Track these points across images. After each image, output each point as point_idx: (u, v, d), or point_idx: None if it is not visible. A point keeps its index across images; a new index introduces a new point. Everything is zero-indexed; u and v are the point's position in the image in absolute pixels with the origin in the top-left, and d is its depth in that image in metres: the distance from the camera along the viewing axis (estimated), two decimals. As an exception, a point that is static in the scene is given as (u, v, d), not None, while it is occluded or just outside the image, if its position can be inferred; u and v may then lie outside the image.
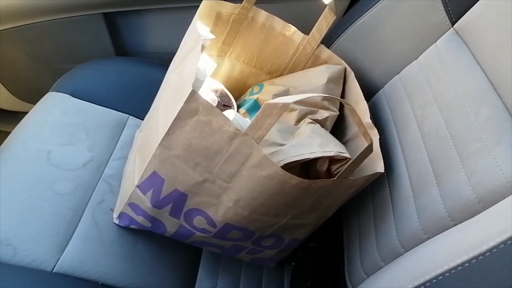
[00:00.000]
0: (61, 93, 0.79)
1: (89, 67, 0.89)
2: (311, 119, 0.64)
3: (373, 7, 0.72)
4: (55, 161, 0.68)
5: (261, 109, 0.44)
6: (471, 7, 0.62)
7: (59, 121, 0.74)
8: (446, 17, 0.65)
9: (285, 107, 0.43)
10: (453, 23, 0.64)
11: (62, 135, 0.72)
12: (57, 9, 0.90)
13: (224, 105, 0.72)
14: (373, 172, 0.54)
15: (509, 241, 0.35)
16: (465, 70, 0.57)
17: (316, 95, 0.47)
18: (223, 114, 0.47)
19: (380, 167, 0.56)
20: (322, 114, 0.65)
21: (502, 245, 0.35)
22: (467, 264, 0.37)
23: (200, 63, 0.62)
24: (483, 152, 0.48)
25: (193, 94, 0.47)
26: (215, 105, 0.70)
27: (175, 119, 0.49)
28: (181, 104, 0.47)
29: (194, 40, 0.55)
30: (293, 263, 0.70)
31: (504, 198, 0.43)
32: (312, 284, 0.64)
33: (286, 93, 0.70)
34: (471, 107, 0.53)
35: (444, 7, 0.65)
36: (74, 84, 0.83)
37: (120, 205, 0.63)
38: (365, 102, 0.64)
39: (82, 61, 0.90)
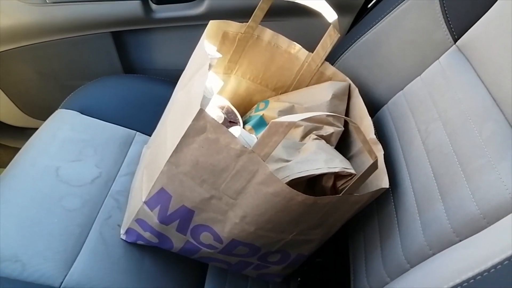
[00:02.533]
0: (70, 110, 0.81)
1: (98, 85, 0.90)
2: (316, 135, 0.64)
3: (377, 24, 0.73)
4: (63, 177, 0.69)
5: (267, 127, 0.45)
6: (473, 24, 0.63)
7: (67, 137, 0.75)
8: (449, 34, 0.66)
9: (291, 126, 0.44)
10: (455, 40, 0.65)
11: (71, 152, 0.73)
12: (67, 29, 0.93)
13: (230, 121, 0.73)
14: (378, 188, 0.55)
15: (515, 258, 0.35)
16: (468, 87, 0.58)
17: (321, 114, 0.48)
18: (230, 132, 0.48)
19: (385, 183, 0.56)
20: (327, 130, 0.66)
21: (507, 261, 0.35)
22: (472, 281, 0.37)
23: (207, 81, 0.64)
24: (487, 168, 0.48)
25: (201, 113, 0.48)
26: (221, 121, 0.71)
27: (183, 137, 0.50)
28: (189, 122, 0.48)
29: (202, 59, 0.56)
30: (299, 278, 0.70)
31: (509, 213, 0.44)
32: (319, 300, 0.64)
33: (291, 109, 0.71)
34: (474, 123, 0.53)
35: (446, 24, 0.66)
36: (82, 101, 0.84)
37: (127, 221, 0.64)
38: (369, 118, 0.65)
39: (90, 79, 0.91)
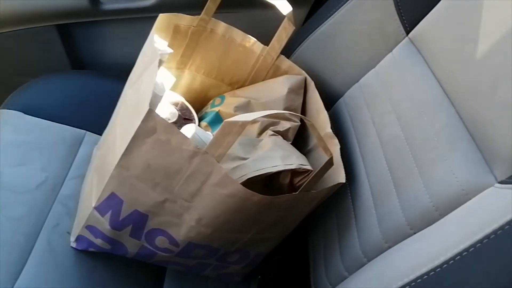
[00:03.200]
0: (12, 110, 0.75)
1: (43, 82, 0.85)
2: (273, 131, 0.63)
3: (331, 17, 0.72)
4: (5, 183, 0.64)
5: (220, 127, 0.44)
6: (425, 16, 0.63)
7: (9, 140, 0.70)
8: (401, 26, 0.66)
9: (245, 125, 0.43)
10: (407, 32, 0.66)
11: (13, 156, 0.68)
12: (7, 21, 0.86)
13: (185, 118, 0.70)
14: (334, 183, 0.55)
15: (465, 252, 0.35)
16: (420, 79, 0.59)
17: (275, 112, 0.46)
18: (182, 133, 0.46)
19: (342, 177, 0.56)
20: (284, 125, 0.65)
21: (458, 257, 0.36)
22: (425, 277, 0.38)
23: (158, 77, 0.61)
24: (438, 161, 0.49)
25: (150, 113, 0.45)
26: (175, 119, 0.69)
27: (133, 139, 0.47)
28: (138, 123, 0.46)
29: (151, 55, 0.53)
30: (259, 277, 0.69)
31: (460, 205, 0.44)
32: (279, 297, 0.63)
33: (247, 105, 0.69)
34: (426, 116, 0.54)
35: (399, 16, 0.67)
36: (26, 100, 0.79)
37: (77, 228, 0.60)
38: (326, 112, 0.65)
39: (35, 76, 0.86)
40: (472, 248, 0.35)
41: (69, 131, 0.75)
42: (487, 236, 0.35)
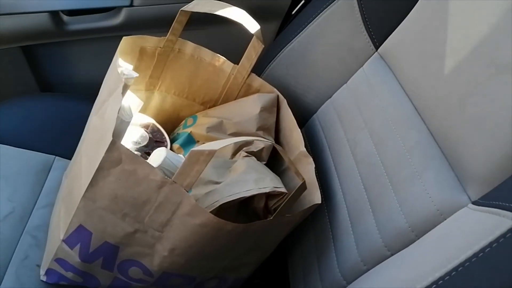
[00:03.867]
0: (-25, 137, 0.73)
1: (8, 106, 0.82)
2: (246, 152, 0.62)
3: (301, 33, 0.72)
4: (-31, 217, 0.61)
5: (187, 156, 0.42)
6: (393, 31, 0.63)
7: (-27, 170, 0.67)
8: (370, 41, 0.66)
9: (212, 154, 0.42)
10: (377, 47, 0.66)
11: (-23, 186, 0.65)
12: (-32, 44, 0.83)
13: (156, 141, 0.69)
14: (310, 204, 0.54)
15: (440, 281, 0.35)
16: (391, 95, 0.59)
17: (243, 139, 0.46)
18: (148, 163, 0.44)
19: (317, 198, 0.55)
20: (258, 145, 0.64)
21: (434, 286, 0.35)
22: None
23: (125, 101, 0.59)
24: (412, 179, 0.48)
25: (114, 144, 0.44)
26: (146, 142, 0.67)
27: (97, 170, 0.46)
28: (102, 154, 0.45)
29: (115, 80, 0.52)
30: (239, 300, 0.68)
31: (435, 225, 0.44)
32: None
33: (220, 125, 0.68)
34: (398, 133, 0.54)
35: (367, 31, 0.67)
36: (-9, 127, 0.76)
37: (46, 261, 0.58)
38: (299, 130, 0.64)
39: (0, 100, 0.83)
40: (448, 276, 0.34)
41: (37, 157, 0.72)
42: (462, 264, 0.34)
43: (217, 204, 0.51)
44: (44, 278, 0.58)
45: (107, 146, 0.44)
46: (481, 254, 0.33)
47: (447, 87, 0.49)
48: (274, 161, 0.67)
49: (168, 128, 0.72)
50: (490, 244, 0.33)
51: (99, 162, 0.45)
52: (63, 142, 0.75)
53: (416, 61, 0.55)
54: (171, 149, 0.69)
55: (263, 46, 0.66)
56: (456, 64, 0.49)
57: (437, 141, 0.49)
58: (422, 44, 0.56)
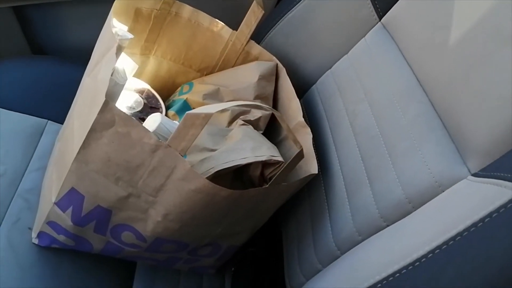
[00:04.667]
0: (-35, 99, 0.71)
1: (0, 68, 0.80)
2: (243, 120, 0.61)
3: (303, 0, 0.70)
4: (-41, 179, 0.60)
5: (182, 119, 0.41)
6: (397, 1, 0.61)
7: (-38, 132, 0.66)
8: (374, 11, 0.64)
9: (208, 118, 0.40)
10: (380, 17, 0.64)
11: (-33, 148, 0.64)
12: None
13: (151, 107, 0.67)
14: (306, 174, 0.53)
15: (437, 250, 0.34)
16: (393, 66, 0.57)
17: (241, 103, 0.44)
18: (142, 125, 0.43)
19: (314, 168, 0.54)
20: (255, 114, 0.63)
21: (431, 254, 0.35)
22: (397, 275, 0.37)
23: (119, 64, 0.57)
24: (411, 151, 0.48)
25: (107, 104, 0.42)
26: (141, 107, 0.66)
27: (90, 131, 0.44)
28: (95, 115, 0.43)
29: (109, 41, 0.50)
30: (233, 269, 0.68)
31: (433, 197, 0.43)
32: (252, 290, 0.62)
33: (216, 92, 0.66)
34: (399, 104, 0.53)
35: (371, 0, 0.64)
36: (-19, 88, 0.74)
37: (38, 224, 0.57)
38: (298, 100, 0.63)
39: (-9, 61, 0.80)
40: (445, 246, 0.34)
41: (29, 120, 0.71)
42: (460, 233, 0.34)
43: (213, 171, 0.51)
44: (36, 241, 0.58)
45: (99, 107, 0.42)
46: (480, 224, 0.33)
47: (451, 58, 0.47)
48: (271, 131, 0.66)
49: (164, 94, 0.71)
50: (490, 214, 0.33)
51: (91, 123, 0.44)
52: (56, 106, 0.73)
53: (420, 31, 0.54)
54: (166, 115, 0.67)
55: (263, 12, 0.64)
56: (461, 35, 0.48)
57: (438, 113, 0.48)
58: (427, 14, 0.54)
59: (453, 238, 0.34)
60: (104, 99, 0.42)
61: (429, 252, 0.35)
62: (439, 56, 0.49)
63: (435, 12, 0.53)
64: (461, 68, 0.46)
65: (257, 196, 0.49)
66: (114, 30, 0.51)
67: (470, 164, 0.42)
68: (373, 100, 0.56)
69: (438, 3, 0.52)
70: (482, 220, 0.33)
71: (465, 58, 0.46)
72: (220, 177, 0.52)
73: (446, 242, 0.34)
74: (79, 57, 0.83)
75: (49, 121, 0.72)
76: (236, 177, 0.57)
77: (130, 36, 0.52)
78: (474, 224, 0.33)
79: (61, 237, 0.56)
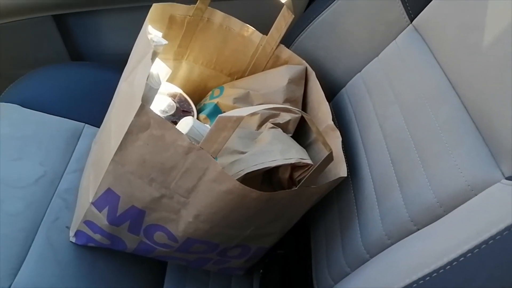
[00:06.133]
0: (9, 103, 0.74)
1: (40, 74, 0.84)
2: (273, 124, 0.62)
3: (332, 4, 0.70)
4: (3, 178, 0.63)
5: (214, 122, 0.42)
6: (429, 2, 0.61)
7: (7, 134, 0.69)
8: (405, 13, 0.64)
9: (240, 120, 0.41)
10: (411, 19, 0.63)
11: (11, 150, 0.67)
12: (2, 13, 0.85)
13: (183, 110, 0.69)
14: (336, 177, 0.53)
15: (469, 254, 0.34)
16: (424, 68, 0.57)
17: (272, 106, 0.45)
18: (176, 128, 0.45)
19: (343, 171, 0.54)
20: (284, 117, 0.63)
21: (462, 258, 0.34)
22: (428, 278, 0.37)
23: (154, 69, 0.59)
24: (443, 155, 0.47)
25: (143, 108, 0.44)
26: (173, 111, 0.68)
27: (126, 134, 0.46)
28: (131, 118, 0.45)
29: (144, 47, 0.52)
30: (261, 271, 0.68)
31: (465, 201, 0.43)
32: (280, 292, 0.62)
33: (246, 96, 0.67)
34: (430, 107, 0.52)
35: (402, 2, 0.64)
36: (23, 93, 0.78)
37: (76, 223, 0.60)
38: (327, 103, 0.63)
39: (33, 68, 0.84)
40: (477, 249, 0.34)
41: (67, 124, 0.74)
42: (493, 237, 0.33)
43: (242, 173, 0.51)
44: (73, 240, 0.60)
45: (136, 110, 0.44)
46: (515, 228, 0.32)
47: (484, 59, 0.47)
48: (300, 134, 0.67)
49: (195, 98, 0.72)
50: (524, 218, 0.32)
51: (128, 126, 0.45)
52: (93, 110, 0.76)
53: (453, 32, 0.53)
54: (197, 119, 0.69)
55: (293, 16, 0.65)
56: (495, 35, 0.47)
57: (471, 116, 0.47)
58: (460, 15, 0.53)
59: (485, 242, 0.33)
60: (140, 103, 0.43)
61: (460, 256, 0.34)
62: (472, 58, 0.48)
63: (468, 13, 0.52)
64: (494, 69, 0.45)
65: (286, 198, 0.49)
66: (149, 37, 0.53)
67: (504, 168, 0.41)
68: (404, 102, 0.56)
69: (472, 3, 0.51)
70: (516, 224, 0.32)
71: (499, 59, 0.45)
72: (250, 179, 0.53)
73: (478, 246, 0.34)
74: (116, 63, 0.87)
75: (86, 125, 0.75)
76: (266, 180, 0.58)
77: (165, 42, 0.54)
78: (508, 228, 0.32)
79: (97, 236, 0.58)
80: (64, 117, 0.74)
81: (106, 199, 0.52)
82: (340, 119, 0.68)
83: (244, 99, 0.67)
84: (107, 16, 0.93)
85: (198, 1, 0.64)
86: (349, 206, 0.57)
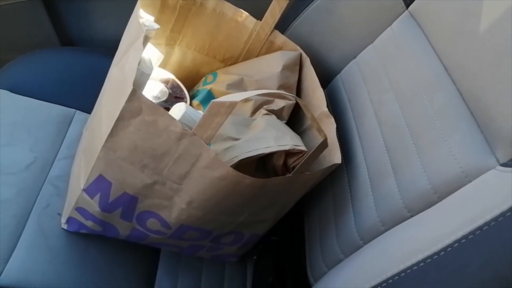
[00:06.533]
0: (-1, 89, 0.73)
1: (30, 59, 0.82)
2: (267, 110, 0.61)
3: (328, -11, 0.69)
4: (-7, 164, 0.62)
5: (207, 108, 0.42)
6: (425, -12, 0.60)
7: (-4, 120, 0.68)
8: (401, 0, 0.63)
9: (233, 106, 0.41)
10: (407, 5, 0.63)
11: (0, 136, 0.66)
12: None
13: (176, 97, 0.68)
14: (330, 164, 0.53)
15: (463, 240, 0.34)
16: (420, 55, 0.56)
17: (265, 92, 0.44)
18: (169, 114, 0.44)
19: (338, 158, 0.54)
20: (278, 104, 0.63)
21: (457, 244, 0.34)
22: (422, 264, 0.37)
23: (145, 54, 0.58)
24: (438, 142, 0.47)
25: (134, 93, 0.43)
26: (166, 97, 0.67)
27: (117, 120, 0.45)
28: (123, 103, 0.44)
29: (136, 31, 0.51)
30: (255, 257, 0.68)
31: (459, 188, 0.43)
32: (274, 279, 0.62)
33: (240, 82, 0.67)
34: (426, 94, 0.52)
35: (398, -12, 0.63)
36: (12, 78, 0.76)
37: (67, 210, 0.59)
38: (322, 89, 0.62)
39: (22, 52, 0.83)
40: (472, 235, 0.33)
41: (58, 110, 0.73)
42: (488, 223, 0.33)
43: (236, 160, 0.51)
44: (65, 226, 0.60)
45: (127, 96, 0.43)
46: (509, 213, 0.32)
47: (481, 45, 0.46)
48: (294, 121, 0.66)
49: (188, 84, 0.71)
50: (518, 204, 0.32)
51: (119, 112, 0.45)
52: (84, 96, 0.75)
53: (450, 19, 0.52)
54: (190, 105, 0.68)
55: (287, 1, 0.64)
56: (492, 21, 0.46)
57: (466, 102, 0.47)
58: (457, 1, 0.53)
59: (480, 228, 0.33)
60: (131, 88, 0.42)
61: (455, 242, 0.34)
62: (468, 44, 0.48)
63: (464, -1, 0.51)
64: (490, 55, 0.44)
65: (280, 185, 0.49)
66: (141, 21, 0.52)
67: (499, 154, 0.41)
68: (399, 89, 0.56)
69: (470, -11, 0.51)
70: (510, 209, 0.32)
71: (495, 45, 0.44)
72: (244, 166, 0.52)
73: (472, 232, 0.34)
74: (107, 48, 0.85)
75: (77, 111, 0.74)
76: (259, 166, 0.57)
77: (157, 26, 0.53)
78: (502, 214, 0.32)
79: (89, 223, 0.57)
80: (55, 103, 0.73)
81: (98, 185, 0.52)
82: (335, 106, 0.67)
83: (238, 85, 0.66)
84: (97, 0, 0.91)
85: (191, -15, 0.62)
86: (343, 193, 0.57)
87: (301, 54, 0.68)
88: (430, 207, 0.44)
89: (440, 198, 0.44)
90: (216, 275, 0.68)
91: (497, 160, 0.41)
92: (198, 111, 0.63)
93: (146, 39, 0.53)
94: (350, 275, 0.47)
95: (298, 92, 0.68)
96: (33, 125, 0.69)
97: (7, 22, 0.88)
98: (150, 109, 0.44)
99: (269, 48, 0.69)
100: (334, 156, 0.55)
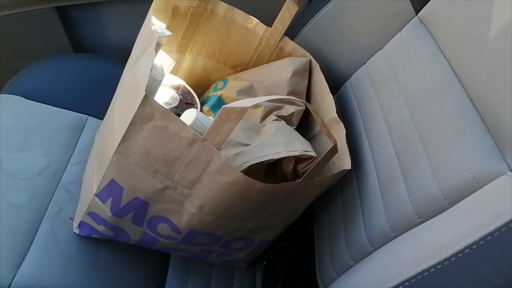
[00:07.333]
0: (13, 94, 0.74)
1: (44, 66, 0.84)
2: (277, 116, 0.62)
3: (337, -4, 0.70)
4: (7, 169, 0.63)
5: (218, 113, 0.42)
6: (435, -6, 0.60)
7: (10, 126, 0.69)
8: (410, 5, 0.63)
9: (244, 111, 0.41)
10: (417, 11, 0.63)
11: (15, 141, 0.67)
12: (5, 4, 0.84)
13: (186, 103, 0.69)
14: (340, 170, 0.53)
15: (474, 246, 0.34)
16: (429, 60, 0.56)
17: (276, 97, 0.45)
18: (180, 119, 0.44)
19: (347, 164, 0.54)
20: (288, 110, 0.63)
21: (467, 250, 0.34)
22: (432, 270, 0.36)
23: (157, 60, 0.59)
24: (448, 147, 0.47)
25: (147, 99, 0.44)
26: (176, 103, 0.67)
27: (130, 125, 0.46)
28: (135, 109, 0.45)
29: (148, 38, 0.51)
30: (264, 263, 0.69)
31: (470, 194, 0.43)
32: (283, 285, 0.62)
33: (250, 88, 0.67)
34: (435, 99, 0.52)
35: (407, -6, 0.64)
36: (26, 85, 0.78)
37: (79, 214, 0.60)
38: (331, 95, 0.63)
39: (36, 59, 0.84)
40: (482, 241, 0.33)
41: (71, 116, 0.74)
42: (499, 229, 0.33)
43: (246, 165, 0.51)
44: (77, 231, 0.61)
45: (139, 101, 0.44)
46: (521, 220, 0.32)
47: (490, 50, 0.46)
48: (303, 127, 0.66)
49: (198, 91, 0.72)
50: (530, 211, 0.32)
51: (131, 117, 0.45)
52: (96, 102, 0.76)
53: (459, 24, 0.53)
54: (201, 111, 0.69)
55: (297, 8, 0.64)
56: (502, 26, 0.46)
57: (476, 108, 0.47)
58: (466, 6, 0.53)
59: (491, 234, 0.33)
60: (144, 93, 0.43)
61: (466, 247, 0.34)
62: (478, 49, 0.48)
63: (474, 4, 0.51)
64: (500, 60, 0.44)
65: (289, 190, 0.49)
66: (153, 28, 0.53)
67: (510, 160, 0.41)
68: (409, 95, 0.56)
69: (478, -5, 0.51)
70: (522, 216, 0.32)
71: (505, 50, 0.44)
72: (254, 171, 0.53)
73: (483, 238, 0.34)
74: (119, 55, 0.86)
75: (90, 117, 0.75)
76: (269, 172, 0.58)
77: (168, 33, 0.54)
78: (514, 220, 0.32)
79: (101, 227, 0.58)
80: (67, 109, 0.74)
81: (110, 190, 0.52)
82: (344, 112, 0.68)
83: (248, 91, 0.67)
84: (110, 8, 0.93)
85: (201, -8, 0.63)
86: (353, 199, 0.57)
87: (310, 60, 0.68)
88: (440, 213, 0.44)
89: (451, 204, 0.44)
90: (225, 281, 0.68)
91: (508, 166, 0.41)
92: (209, 117, 0.63)
93: (158, 46, 0.54)
94: (359, 281, 0.47)
95: (308, 98, 0.69)
96: (47, 130, 0.70)
97: (21, 30, 0.90)
98: (162, 114, 0.44)
99: (279, 54, 0.70)
100: (344, 162, 0.55)
